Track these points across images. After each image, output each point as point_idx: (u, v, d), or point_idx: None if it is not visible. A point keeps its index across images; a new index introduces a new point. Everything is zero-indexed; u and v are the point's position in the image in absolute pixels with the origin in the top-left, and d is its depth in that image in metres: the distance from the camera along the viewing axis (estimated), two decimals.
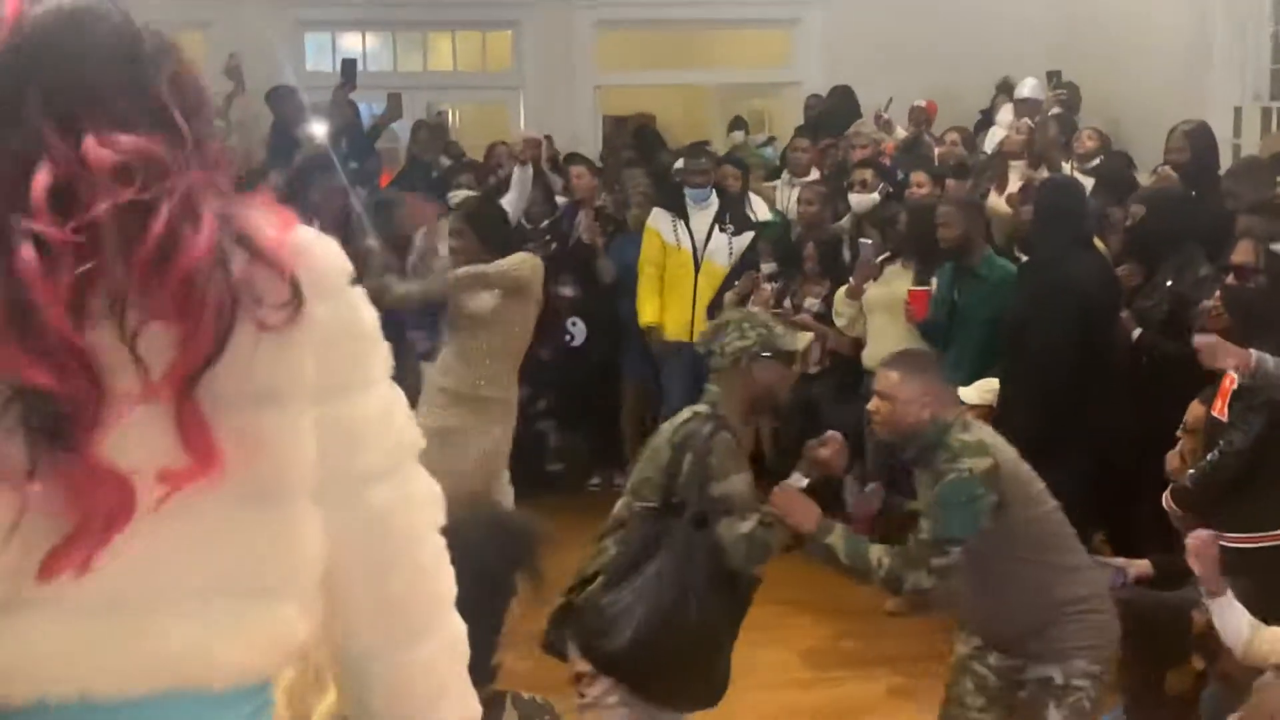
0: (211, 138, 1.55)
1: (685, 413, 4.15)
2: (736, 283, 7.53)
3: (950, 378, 6.28)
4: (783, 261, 7.74)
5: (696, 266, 7.67)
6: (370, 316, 1.60)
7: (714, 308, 7.41)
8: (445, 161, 9.69)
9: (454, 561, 1.72)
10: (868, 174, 7.55)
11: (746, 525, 3.95)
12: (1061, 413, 5.44)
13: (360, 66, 11.39)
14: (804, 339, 4.35)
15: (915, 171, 7.55)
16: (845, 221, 7.66)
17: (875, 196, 7.46)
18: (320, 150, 8.52)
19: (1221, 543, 4.67)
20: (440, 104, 13.51)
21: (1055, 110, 9.09)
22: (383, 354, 1.61)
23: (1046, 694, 4.07)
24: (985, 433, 4.14)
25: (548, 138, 10.89)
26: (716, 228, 7.76)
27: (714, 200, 7.86)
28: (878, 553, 4.00)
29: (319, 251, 1.55)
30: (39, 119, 1.45)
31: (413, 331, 6.83)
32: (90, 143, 1.43)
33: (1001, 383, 5.59)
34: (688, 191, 7.83)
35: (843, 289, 6.97)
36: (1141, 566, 4.91)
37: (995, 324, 6.08)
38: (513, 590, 2.50)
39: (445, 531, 1.71)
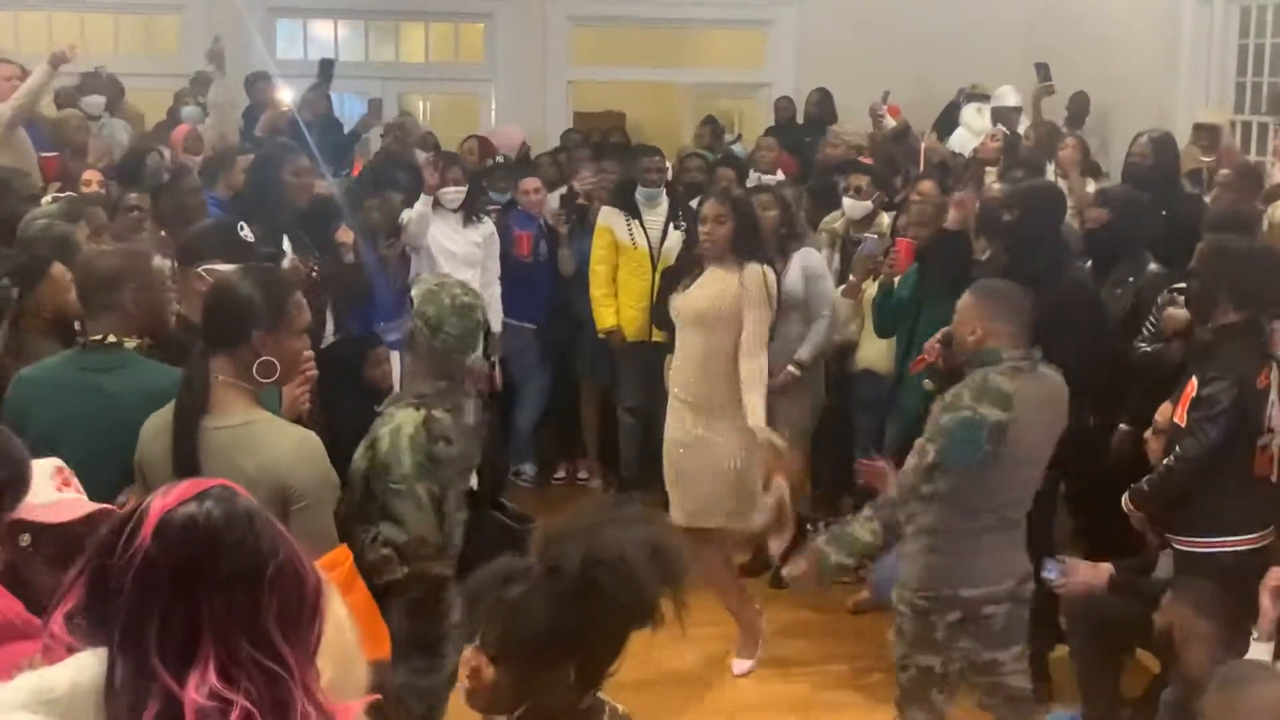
0: (308, 648, 1.77)
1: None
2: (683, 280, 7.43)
3: (918, 376, 6.43)
4: None
5: (654, 265, 7.65)
6: None
7: (660, 308, 7.41)
8: (420, 154, 9.65)
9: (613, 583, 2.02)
10: (863, 180, 7.52)
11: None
12: (1090, 416, 5.46)
13: (334, 57, 11.40)
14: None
15: (923, 180, 7.53)
16: (838, 224, 7.62)
17: (869, 204, 7.44)
18: (284, 116, 8.47)
19: (1176, 546, 4.76)
20: (410, 98, 13.52)
21: (1046, 99, 9.20)
22: None
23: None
24: (1022, 386, 4.23)
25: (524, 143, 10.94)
26: (670, 225, 7.77)
27: (664, 199, 7.85)
28: (863, 528, 4.20)
29: None
30: (151, 645, 1.66)
31: (383, 324, 6.84)
32: (190, 689, 1.63)
33: None
34: (641, 190, 7.82)
35: (840, 289, 6.89)
36: (1102, 573, 4.96)
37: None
38: (655, 614, 2.40)
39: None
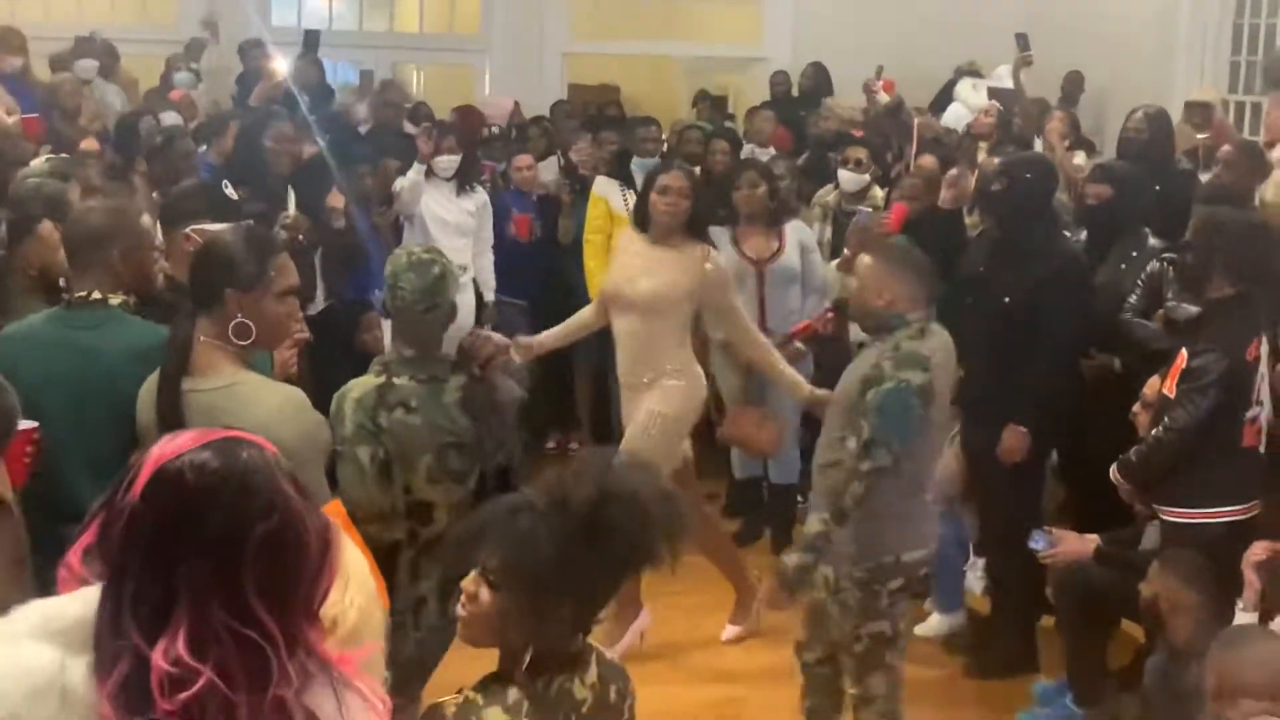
0: (307, 607, 1.75)
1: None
2: None
3: None
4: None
5: None
6: None
7: None
8: (409, 126, 9.62)
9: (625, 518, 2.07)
10: (862, 153, 7.52)
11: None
12: (1069, 390, 5.48)
13: (326, 25, 11.37)
14: None
15: (923, 156, 7.52)
16: (831, 198, 7.61)
17: (866, 178, 7.44)
18: (279, 87, 8.45)
19: (1164, 516, 4.78)
20: (404, 68, 13.48)
21: (1025, 69, 9.23)
22: None
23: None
24: (933, 348, 4.31)
25: (516, 104, 10.93)
26: None
27: None
28: (812, 523, 4.27)
29: None
30: (126, 603, 1.65)
31: (376, 291, 6.84)
32: (157, 653, 1.62)
33: (995, 364, 5.49)
34: (637, 161, 7.81)
35: (833, 262, 6.87)
36: (1089, 543, 4.99)
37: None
38: (655, 557, 2.41)
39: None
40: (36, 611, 1.73)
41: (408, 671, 3.82)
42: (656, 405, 5.51)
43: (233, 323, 3.25)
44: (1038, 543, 5.05)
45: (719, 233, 6.82)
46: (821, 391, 5.31)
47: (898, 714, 4.44)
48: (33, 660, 1.65)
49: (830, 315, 6.55)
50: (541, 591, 2.30)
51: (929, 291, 4.44)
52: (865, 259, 4.49)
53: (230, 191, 4.51)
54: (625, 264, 5.69)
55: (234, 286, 3.25)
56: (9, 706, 1.63)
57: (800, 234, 6.86)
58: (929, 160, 7.15)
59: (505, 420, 4.07)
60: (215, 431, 1.76)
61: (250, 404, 3.18)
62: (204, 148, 7.31)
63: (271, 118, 7.10)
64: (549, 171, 8.66)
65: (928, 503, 4.51)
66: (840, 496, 4.18)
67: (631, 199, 7.66)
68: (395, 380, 3.94)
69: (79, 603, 1.71)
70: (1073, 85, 10.49)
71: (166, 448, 1.72)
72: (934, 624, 6.02)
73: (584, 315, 5.95)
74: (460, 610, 2.38)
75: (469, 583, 2.37)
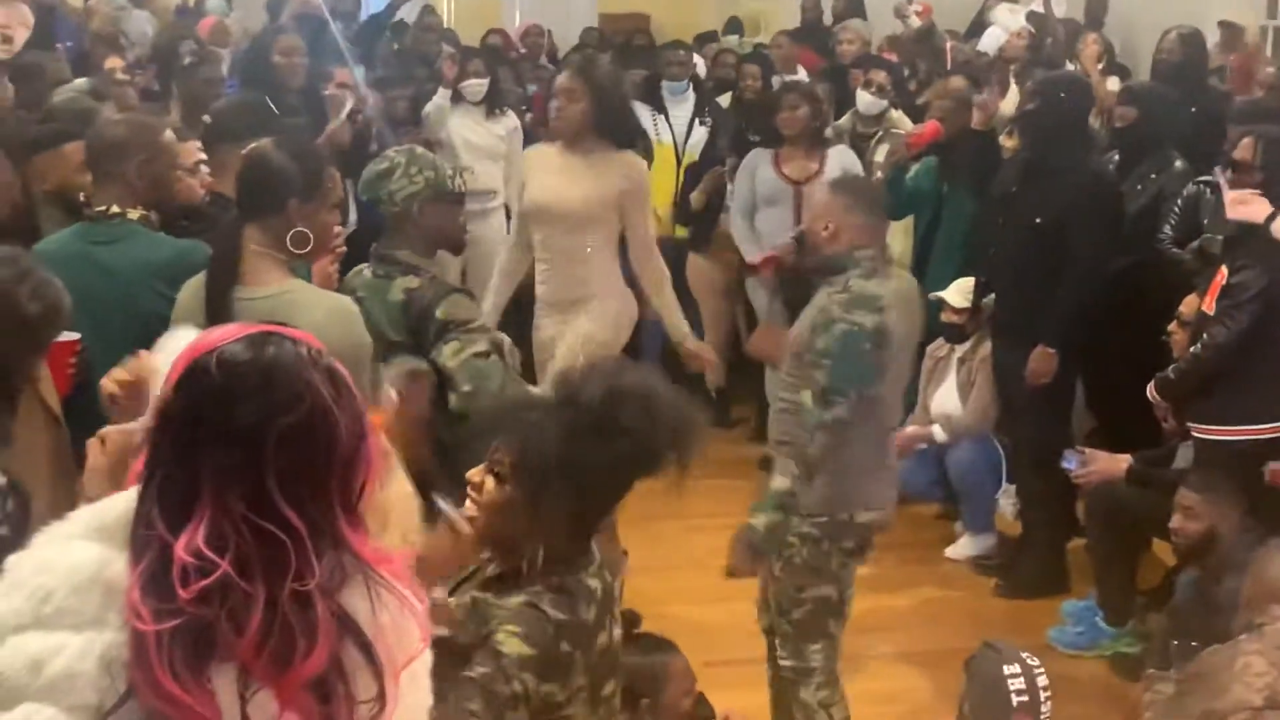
0: (345, 500, 1.73)
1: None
2: (705, 176, 7.40)
3: (939, 270, 6.42)
4: (742, 154, 7.51)
5: (679, 160, 7.61)
6: None
7: (683, 204, 7.38)
8: (446, 49, 9.57)
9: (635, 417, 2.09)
10: (882, 76, 7.45)
11: (470, 349, 3.76)
12: (1092, 313, 5.45)
13: None
14: None
15: (953, 77, 7.45)
16: (844, 121, 7.57)
17: (884, 102, 7.38)
18: (311, 8, 8.41)
19: (1197, 434, 4.78)
20: None
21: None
22: None
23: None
24: (887, 288, 3.95)
25: (549, 32, 10.86)
26: (696, 121, 7.72)
27: (690, 93, 7.79)
28: (778, 480, 3.91)
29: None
30: (154, 495, 1.68)
31: None
32: (179, 545, 1.63)
33: (1024, 284, 5.48)
34: (665, 84, 7.76)
35: None
36: (1120, 463, 5.00)
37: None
38: (661, 462, 2.40)
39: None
40: (87, 511, 1.77)
41: None
42: (589, 327, 5.14)
43: (292, 231, 3.29)
44: (1070, 463, 5.05)
45: (761, 154, 6.80)
46: (699, 343, 5.19)
47: (836, 689, 4.07)
48: (78, 557, 1.69)
49: (791, 244, 6.40)
50: (546, 485, 2.30)
51: (881, 228, 4.14)
52: (819, 193, 4.24)
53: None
54: (542, 181, 5.17)
55: (295, 195, 3.29)
56: (56, 602, 1.66)
57: (843, 158, 6.73)
58: (960, 81, 7.09)
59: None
60: (254, 326, 1.77)
61: (302, 310, 3.18)
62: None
63: (276, 34, 7.03)
64: None
65: (887, 463, 4.12)
66: (804, 450, 3.84)
67: (661, 123, 7.66)
68: (363, 270, 3.95)
69: (124, 500, 1.74)
70: (1096, 6, 10.33)
71: (203, 341, 1.73)
72: (964, 545, 6.04)
73: (507, 263, 5.47)
74: (467, 503, 2.39)
75: (475, 473, 2.38)
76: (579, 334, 5.12)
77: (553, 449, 2.30)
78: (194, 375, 1.69)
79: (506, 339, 4.06)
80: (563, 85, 5.18)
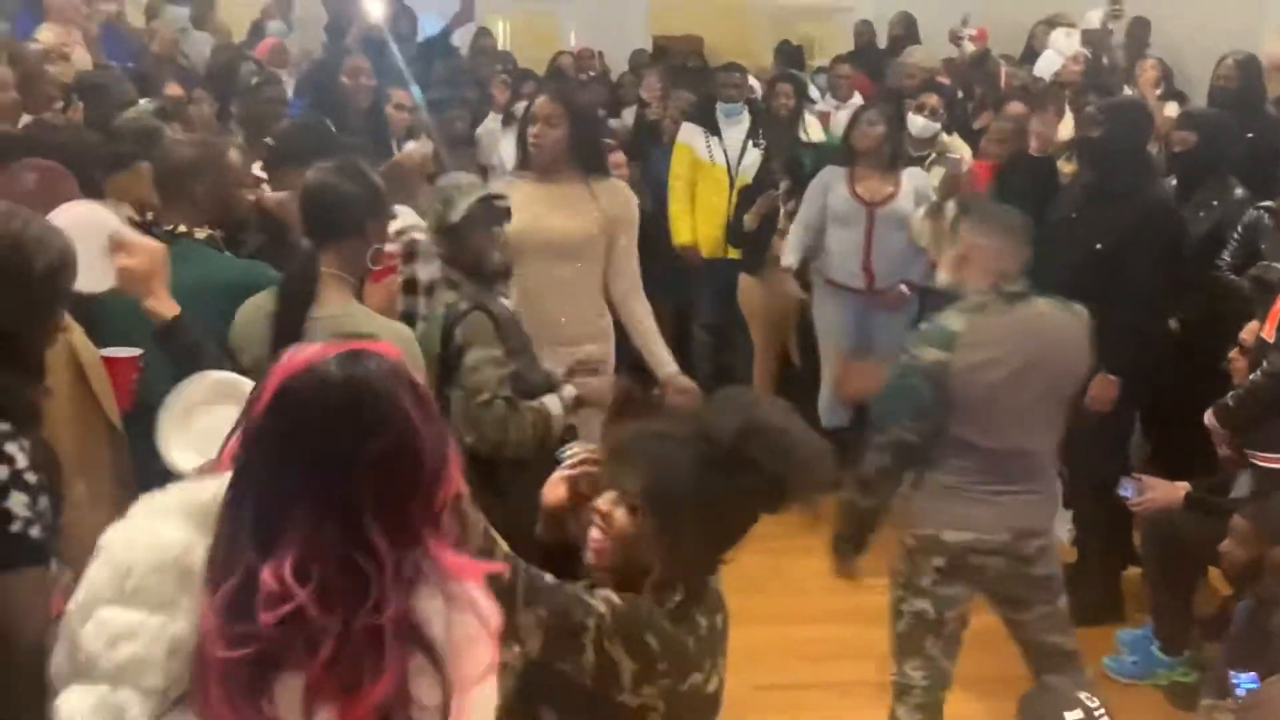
0: (426, 518, 1.75)
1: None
2: (759, 199, 7.38)
3: None
4: (796, 180, 7.52)
5: (732, 182, 7.63)
6: None
7: (736, 225, 7.35)
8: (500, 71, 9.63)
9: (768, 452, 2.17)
10: (934, 100, 7.43)
11: (480, 398, 3.81)
12: (1152, 338, 5.43)
13: None
14: None
15: (1010, 101, 7.44)
16: None
17: (936, 125, 7.36)
18: (374, 30, 8.50)
19: (1256, 462, 4.74)
20: (490, 18, 13.48)
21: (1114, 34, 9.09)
22: None
23: None
24: (976, 327, 3.89)
25: (600, 54, 10.92)
26: (750, 143, 7.73)
27: (745, 116, 7.79)
28: (847, 490, 3.98)
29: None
30: (246, 520, 1.69)
31: None
32: (267, 570, 1.65)
33: (1090, 312, 5.45)
34: (720, 106, 7.77)
35: (920, 209, 6.53)
36: (1178, 490, 4.95)
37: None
38: (791, 502, 2.40)
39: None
40: (180, 489, 1.82)
41: None
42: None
43: (371, 249, 3.43)
44: (1127, 490, 5.01)
45: (835, 171, 6.70)
46: (681, 380, 4.90)
47: (937, 711, 4.10)
48: (167, 536, 1.74)
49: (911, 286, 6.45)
50: (677, 519, 2.30)
51: (1011, 263, 3.99)
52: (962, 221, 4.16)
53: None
54: (524, 215, 4.56)
55: (374, 217, 3.43)
56: (136, 578, 1.71)
57: (916, 180, 6.66)
58: (1017, 107, 7.07)
59: None
60: (342, 344, 1.77)
61: (365, 329, 3.22)
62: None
63: (342, 55, 7.10)
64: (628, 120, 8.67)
65: (1005, 488, 3.99)
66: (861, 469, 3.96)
67: (715, 146, 7.68)
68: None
69: (214, 486, 1.77)
70: (1140, 30, 10.26)
71: (294, 360, 1.74)
72: None
73: None
74: (593, 532, 2.38)
75: (605, 503, 2.37)
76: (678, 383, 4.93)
77: (687, 481, 2.30)
78: (285, 396, 1.70)
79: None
80: (542, 110, 4.87)
